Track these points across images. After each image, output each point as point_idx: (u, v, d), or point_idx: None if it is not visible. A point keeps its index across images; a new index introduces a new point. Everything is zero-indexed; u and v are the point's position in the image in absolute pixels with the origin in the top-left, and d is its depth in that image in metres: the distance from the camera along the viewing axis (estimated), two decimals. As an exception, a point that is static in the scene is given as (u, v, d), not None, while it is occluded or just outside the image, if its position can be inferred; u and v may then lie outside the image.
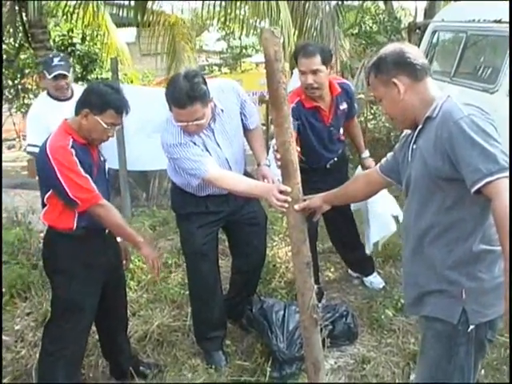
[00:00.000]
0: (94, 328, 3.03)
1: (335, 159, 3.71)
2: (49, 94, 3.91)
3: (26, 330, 3.55)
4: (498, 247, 1.80)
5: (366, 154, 3.88)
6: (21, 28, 7.84)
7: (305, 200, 2.41)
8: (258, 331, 3.25)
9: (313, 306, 2.41)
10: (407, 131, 2.10)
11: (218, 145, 2.98)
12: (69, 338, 2.70)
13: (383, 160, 2.32)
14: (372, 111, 9.82)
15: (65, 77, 3.79)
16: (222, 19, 7.16)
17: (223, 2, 6.76)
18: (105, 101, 2.54)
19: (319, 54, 3.25)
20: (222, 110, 2.96)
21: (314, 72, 3.26)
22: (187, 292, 3.42)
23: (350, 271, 4.32)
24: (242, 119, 3.14)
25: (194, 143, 2.87)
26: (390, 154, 2.28)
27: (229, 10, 6.60)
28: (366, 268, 4.17)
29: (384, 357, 3.19)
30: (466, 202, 1.84)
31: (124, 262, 3.06)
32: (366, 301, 3.87)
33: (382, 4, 11.84)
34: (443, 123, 1.82)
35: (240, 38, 15.79)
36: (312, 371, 2.51)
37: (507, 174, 1.69)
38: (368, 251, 4.08)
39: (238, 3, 6.50)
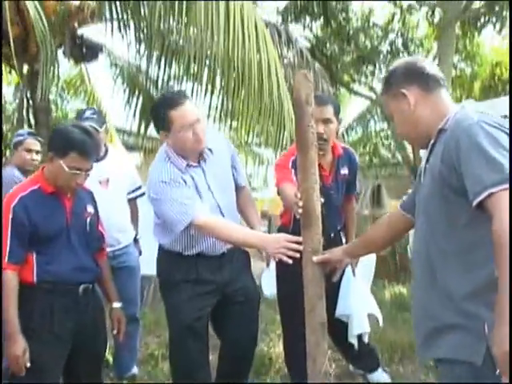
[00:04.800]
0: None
1: (331, 235, 3.26)
2: None
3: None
4: None
5: None
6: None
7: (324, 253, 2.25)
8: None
9: (325, 373, 2.09)
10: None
11: (209, 188, 2.76)
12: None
13: (404, 197, 2.18)
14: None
15: (95, 131, 3.35)
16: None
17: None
18: (67, 142, 2.36)
19: (331, 105, 3.15)
20: (211, 150, 2.77)
21: (326, 122, 3.09)
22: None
23: (351, 367, 3.86)
24: (233, 174, 2.95)
25: (185, 182, 2.67)
26: (410, 191, 2.12)
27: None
28: (369, 362, 3.69)
29: None
30: (482, 220, 1.61)
31: (114, 331, 2.71)
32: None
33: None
34: (452, 132, 1.71)
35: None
36: None
37: (508, 186, 1.54)
38: (353, 341, 3.47)
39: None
